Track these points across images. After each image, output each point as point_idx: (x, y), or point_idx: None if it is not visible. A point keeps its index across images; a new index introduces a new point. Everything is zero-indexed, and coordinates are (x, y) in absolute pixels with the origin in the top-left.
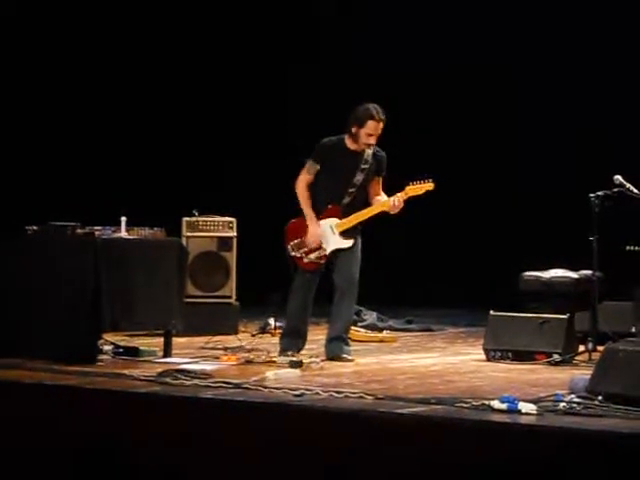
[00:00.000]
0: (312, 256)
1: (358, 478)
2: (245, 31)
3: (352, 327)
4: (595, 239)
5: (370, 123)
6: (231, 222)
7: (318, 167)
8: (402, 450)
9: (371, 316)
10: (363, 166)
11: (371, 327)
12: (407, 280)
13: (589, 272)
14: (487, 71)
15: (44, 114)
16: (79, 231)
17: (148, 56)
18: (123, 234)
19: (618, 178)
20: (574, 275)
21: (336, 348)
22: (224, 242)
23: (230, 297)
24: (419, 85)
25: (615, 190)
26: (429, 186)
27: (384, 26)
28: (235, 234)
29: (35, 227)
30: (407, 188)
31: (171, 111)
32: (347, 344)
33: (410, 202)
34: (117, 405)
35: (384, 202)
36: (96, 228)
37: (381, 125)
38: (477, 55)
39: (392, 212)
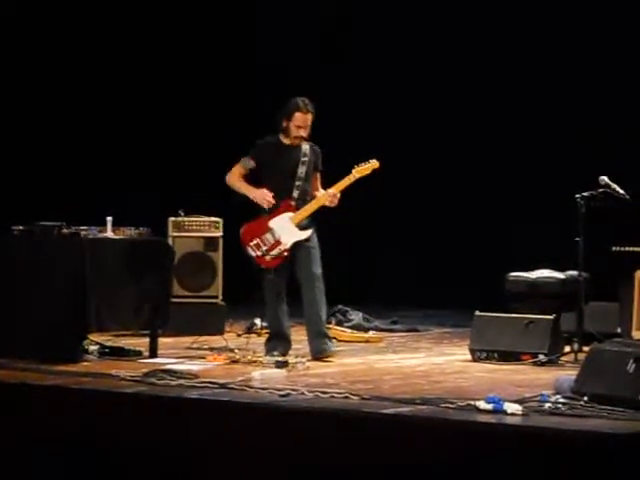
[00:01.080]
0: (273, 252)
1: (344, 478)
2: (235, 33)
3: (338, 327)
4: (581, 240)
5: (297, 115)
6: (217, 222)
7: (253, 163)
8: (387, 450)
9: (357, 316)
10: (303, 159)
11: (357, 327)
12: (393, 280)
13: (575, 273)
14: (476, 69)
15: (29, 114)
16: (65, 231)
17: (134, 56)
18: (109, 234)
19: (604, 179)
20: (560, 276)
21: (319, 346)
22: (210, 242)
23: (216, 297)
24: (404, 80)
25: (601, 191)
26: (375, 164)
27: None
28: (221, 234)
29: (21, 227)
30: (354, 171)
31: (157, 110)
32: (329, 339)
33: (400, 203)
34: (103, 405)
35: (319, 198)
36: (82, 228)
37: (309, 116)
38: (465, 52)
39: (329, 204)
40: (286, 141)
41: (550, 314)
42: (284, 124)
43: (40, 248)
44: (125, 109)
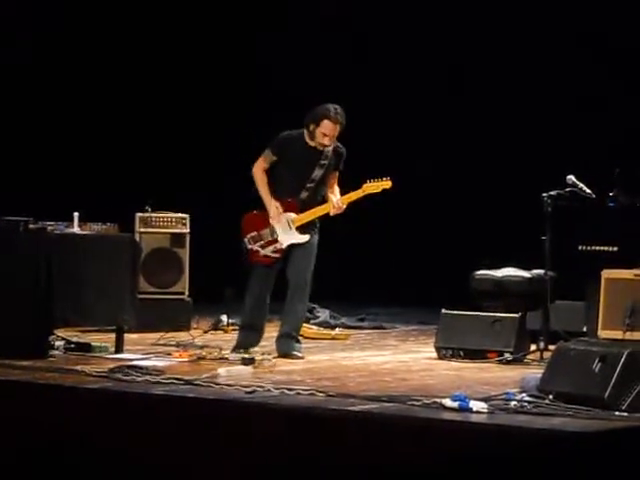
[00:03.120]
0: (268, 250)
1: (308, 476)
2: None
3: (305, 324)
4: (547, 238)
5: (326, 123)
6: (184, 218)
7: (275, 158)
8: (353, 447)
9: (324, 313)
10: (322, 162)
11: (323, 324)
12: (360, 278)
13: (541, 271)
14: (441, 69)
15: None
16: (31, 226)
17: (103, 52)
18: (76, 229)
19: (571, 178)
20: (526, 274)
21: (285, 346)
22: (177, 238)
23: (183, 293)
24: (376, 80)
25: (567, 190)
26: (386, 184)
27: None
28: (188, 230)
29: None
30: (364, 186)
31: (124, 105)
32: (298, 341)
33: (367, 201)
34: (68, 401)
35: (324, 206)
36: (49, 223)
37: (338, 127)
38: (430, 52)
39: (333, 213)
40: (311, 142)
41: (516, 312)
42: (311, 127)
43: (6, 243)
44: (92, 104)
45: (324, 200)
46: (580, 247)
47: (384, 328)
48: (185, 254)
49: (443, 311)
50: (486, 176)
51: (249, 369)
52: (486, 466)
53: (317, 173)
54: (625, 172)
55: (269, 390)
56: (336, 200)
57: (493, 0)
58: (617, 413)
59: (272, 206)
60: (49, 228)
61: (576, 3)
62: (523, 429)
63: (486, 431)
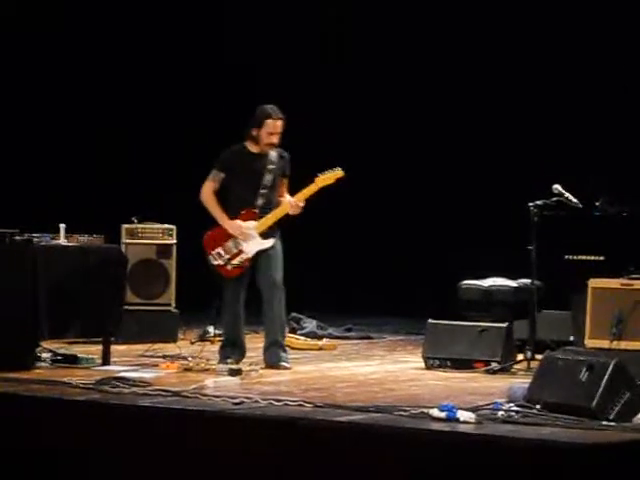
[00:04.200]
0: (235, 262)
1: None
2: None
3: (292, 335)
4: (534, 248)
5: (268, 122)
6: (170, 229)
7: (223, 175)
8: (341, 458)
9: (311, 324)
10: (270, 166)
11: (311, 335)
12: (347, 288)
13: (528, 281)
14: (431, 77)
15: None
16: (17, 238)
17: (86, 63)
18: (62, 241)
19: (557, 187)
20: (513, 284)
21: (273, 356)
22: (163, 249)
23: (169, 305)
24: (365, 90)
25: (554, 199)
26: (338, 173)
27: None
28: (175, 241)
29: None
30: (317, 179)
31: (110, 117)
32: (284, 350)
33: (354, 211)
34: (55, 412)
35: (283, 207)
36: (35, 235)
37: (279, 123)
38: (419, 62)
39: (292, 212)
40: (254, 149)
41: (503, 322)
42: (254, 132)
43: None
44: (79, 115)
45: (278, 205)
46: (566, 256)
47: (371, 338)
48: (172, 265)
49: (430, 321)
50: (473, 185)
51: (236, 380)
52: (474, 476)
53: (268, 178)
54: (611, 181)
55: (256, 401)
56: (289, 199)
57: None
58: (605, 422)
59: (228, 224)
60: (35, 240)
61: (564, 13)
62: (511, 439)
63: (474, 441)
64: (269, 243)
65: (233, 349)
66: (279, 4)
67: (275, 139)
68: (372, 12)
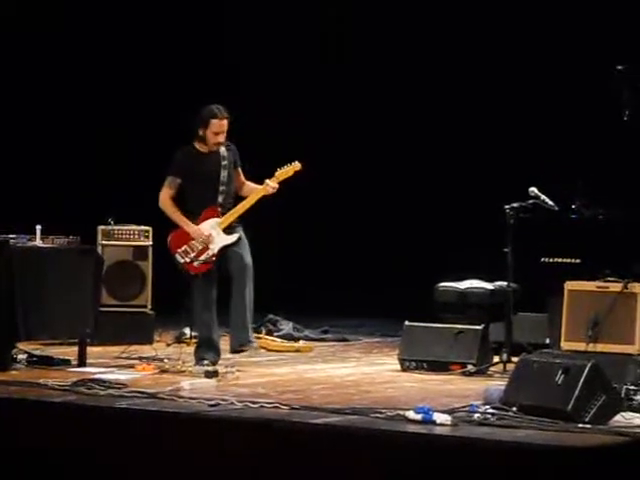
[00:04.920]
0: (202, 258)
1: None
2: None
3: (268, 337)
4: (510, 250)
5: (214, 122)
6: (147, 231)
7: (179, 180)
8: (317, 460)
9: (287, 326)
10: (223, 163)
11: (287, 337)
12: (323, 290)
13: (504, 283)
14: (405, 77)
15: None
16: None
17: (61, 63)
18: (38, 242)
19: (533, 190)
20: (489, 286)
21: (242, 337)
22: (139, 251)
23: (145, 306)
24: (334, 89)
25: (530, 202)
26: (295, 166)
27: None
28: (151, 243)
29: None
30: (276, 173)
31: (87, 118)
32: (252, 331)
33: (330, 213)
34: (31, 414)
35: (260, 189)
36: (11, 236)
37: (225, 122)
38: (392, 61)
39: (269, 194)
40: (203, 149)
41: (479, 324)
42: (200, 132)
43: None
44: (55, 116)
45: (237, 199)
46: (543, 259)
47: (347, 340)
48: (148, 267)
49: (406, 323)
50: (449, 188)
51: (212, 382)
52: (450, 478)
53: (224, 174)
54: (587, 184)
55: (232, 403)
56: (266, 183)
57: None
58: (580, 425)
59: (191, 230)
60: (11, 241)
61: (536, 18)
62: (487, 441)
63: (450, 443)
64: (233, 238)
65: (208, 349)
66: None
67: (221, 138)
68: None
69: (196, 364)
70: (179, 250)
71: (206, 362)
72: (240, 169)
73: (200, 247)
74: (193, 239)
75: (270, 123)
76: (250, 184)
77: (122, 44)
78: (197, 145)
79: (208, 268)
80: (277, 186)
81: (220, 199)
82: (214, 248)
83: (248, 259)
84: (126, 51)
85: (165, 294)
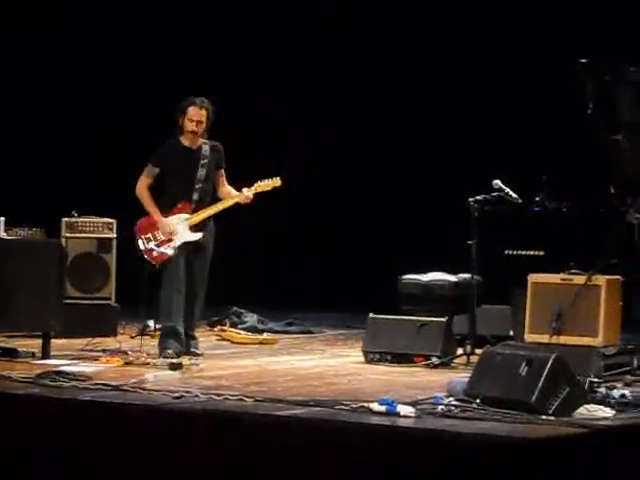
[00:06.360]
0: (162, 249)
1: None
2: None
3: (232, 329)
4: (474, 243)
5: (191, 109)
6: (110, 223)
7: (157, 170)
8: (281, 452)
9: (251, 318)
10: (203, 161)
11: (251, 329)
12: (287, 283)
13: (468, 276)
14: (368, 69)
15: None
16: None
17: (27, 57)
18: (2, 234)
19: (497, 183)
20: (453, 279)
21: (186, 344)
22: (103, 243)
23: (109, 299)
24: (305, 89)
25: (494, 195)
26: (276, 182)
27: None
28: (115, 235)
29: None
30: (255, 185)
31: (52, 109)
32: (195, 339)
33: (295, 205)
34: None
35: (235, 196)
36: None
37: (204, 112)
38: (354, 58)
39: (243, 203)
40: (186, 142)
41: (443, 317)
42: (180, 122)
43: None
44: (19, 107)
45: (214, 199)
46: (506, 251)
47: (312, 332)
48: (111, 259)
49: (370, 315)
50: (414, 181)
51: (176, 374)
52: (414, 470)
53: (201, 173)
54: (551, 177)
55: (197, 395)
56: (244, 191)
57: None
58: (544, 417)
59: (160, 222)
60: None
61: (500, 12)
62: (450, 433)
63: (413, 435)
64: (198, 236)
65: (171, 340)
66: None
67: (196, 127)
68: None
69: (160, 355)
70: (143, 236)
71: (169, 352)
72: (223, 171)
73: (163, 238)
74: (159, 229)
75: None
76: (228, 188)
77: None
78: (182, 139)
79: (164, 260)
80: (252, 197)
81: (195, 196)
82: (176, 242)
83: (206, 274)
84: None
85: (129, 286)
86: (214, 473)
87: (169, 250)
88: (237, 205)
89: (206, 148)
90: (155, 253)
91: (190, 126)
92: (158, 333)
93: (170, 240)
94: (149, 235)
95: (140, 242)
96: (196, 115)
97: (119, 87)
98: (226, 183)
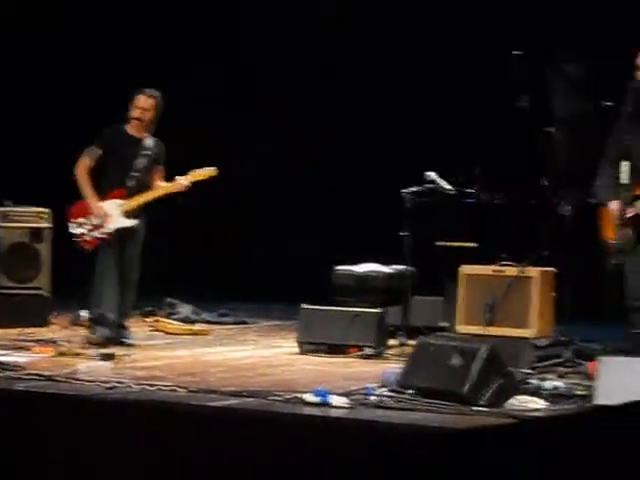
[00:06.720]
0: (94, 233)
1: (171, 470)
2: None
3: (166, 320)
4: (408, 234)
5: (139, 96)
6: (44, 213)
7: (100, 152)
8: (214, 443)
9: (185, 309)
10: (144, 152)
11: (185, 320)
12: (222, 274)
13: (401, 267)
14: (295, 60)
15: None
16: None
17: None
18: None
19: (430, 174)
20: (386, 270)
21: (119, 333)
22: (37, 233)
23: (42, 289)
24: (235, 88)
25: (427, 186)
26: (212, 172)
27: None
28: (49, 225)
29: None
30: (190, 173)
31: None
32: (127, 329)
33: (230, 195)
34: None
35: (170, 185)
36: None
37: (151, 101)
38: (282, 53)
39: (178, 190)
40: (131, 131)
41: (377, 308)
42: (129, 109)
43: None
44: None
45: (150, 190)
46: (440, 243)
47: (246, 323)
48: (45, 249)
49: (303, 306)
50: (347, 172)
51: (109, 365)
52: (347, 460)
53: (141, 162)
54: (484, 169)
55: (129, 386)
56: (179, 180)
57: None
58: (476, 408)
59: (94, 206)
60: None
61: (432, 3)
62: (383, 424)
63: (346, 426)
64: (131, 223)
65: (99, 325)
66: None
67: (139, 113)
68: None
69: (87, 341)
70: (76, 220)
71: (95, 336)
72: (161, 168)
73: (96, 222)
74: (93, 213)
75: None
76: (164, 184)
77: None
78: (128, 127)
79: (97, 245)
80: (188, 184)
81: (131, 184)
82: (110, 227)
83: (138, 265)
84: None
85: (63, 277)
86: (147, 464)
87: (102, 235)
88: (172, 194)
89: (150, 141)
90: (88, 238)
91: (136, 112)
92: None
93: (103, 225)
94: (82, 220)
95: (73, 226)
96: (143, 102)
97: (59, 74)
98: (162, 180)
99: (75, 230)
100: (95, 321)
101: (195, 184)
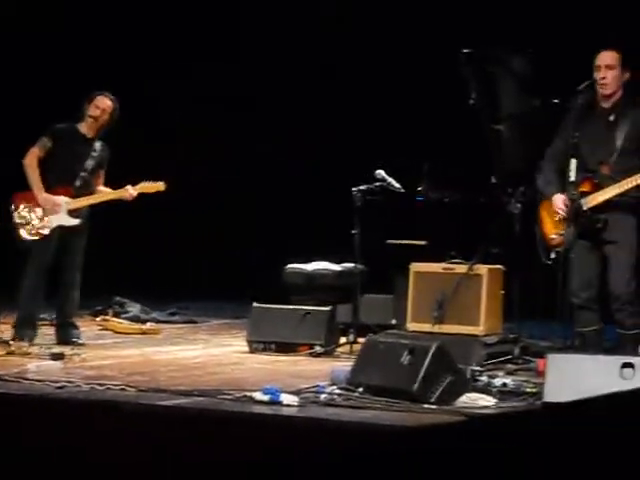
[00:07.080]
0: (35, 224)
1: (121, 471)
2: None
3: (115, 319)
4: (357, 232)
5: (98, 97)
6: None
7: (50, 145)
8: (163, 442)
9: (134, 308)
10: (93, 153)
11: (134, 319)
12: (171, 273)
13: (351, 265)
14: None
15: None
16: None
17: None
18: None
19: (380, 173)
20: (336, 268)
21: (67, 334)
22: None
23: None
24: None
25: (377, 184)
26: (159, 186)
27: None
28: None
29: None
30: (140, 185)
31: None
32: (77, 328)
33: (181, 195)
34: None
35: (119, 191)
36: None
37: (109, 102)
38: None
39: (125, 198)
40: (83, 130)
41: (326, 306)
42: (86, 107)
43: None
44: None
45: (93, 192)
46: (389, 241)
47: (196, 322)
48: None
49: (254, 304)
50: (297, 170)
51: (59, 364)
52: (296, 458)
53: (90, 162)
54: (433, 167)
55: (79, 385)
56: (128, 188)
57: None
58: (426, 405)
59: (42, 197)
60: None
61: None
62: (333, 422)
63: (296, 424)
64: (74, 222)
65: (28, 328)
66: None
67: (98, 112)
68: None
69: (15, 341)
70: (19, 209)
71: (25, 342)
72: (103, 172)
73: (40, 214)
74: (38, 205)
75: None
76: (105, 189)
77: None
78: (80, 125)
79: (36, 239)
80: (135, 194)
81: (78, 182)
82: (52, 222)
83: (81, 263)
84: None
85: (9, 275)
86: (95, 463)
87: (43, 230)
88: (118, 200)
89: (98, 144)
90: (28, 228)
91: (96, 111)
92: (40, 322)
93: (44, 220)
94: (26, 209)
95: (15, 215)
96: (101, 102)
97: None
98: (102, 184)
99: (16, 220)
100: (25, 323)
101: (140, 195)
